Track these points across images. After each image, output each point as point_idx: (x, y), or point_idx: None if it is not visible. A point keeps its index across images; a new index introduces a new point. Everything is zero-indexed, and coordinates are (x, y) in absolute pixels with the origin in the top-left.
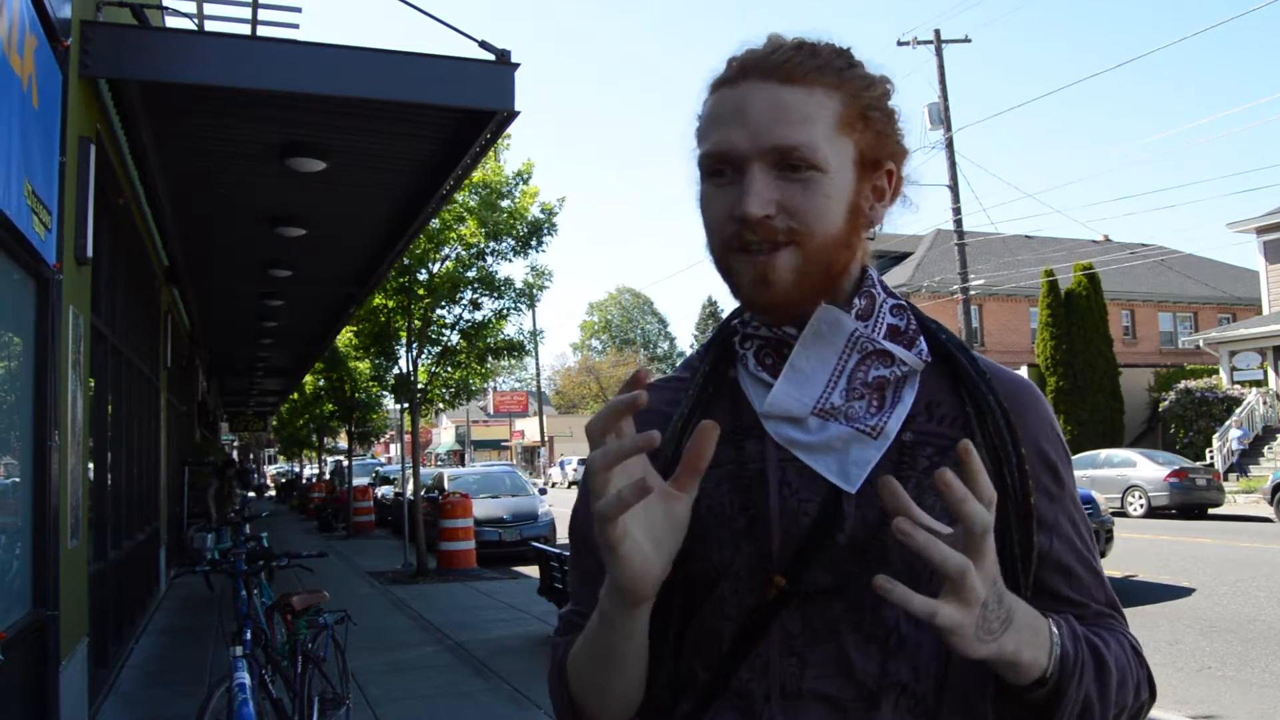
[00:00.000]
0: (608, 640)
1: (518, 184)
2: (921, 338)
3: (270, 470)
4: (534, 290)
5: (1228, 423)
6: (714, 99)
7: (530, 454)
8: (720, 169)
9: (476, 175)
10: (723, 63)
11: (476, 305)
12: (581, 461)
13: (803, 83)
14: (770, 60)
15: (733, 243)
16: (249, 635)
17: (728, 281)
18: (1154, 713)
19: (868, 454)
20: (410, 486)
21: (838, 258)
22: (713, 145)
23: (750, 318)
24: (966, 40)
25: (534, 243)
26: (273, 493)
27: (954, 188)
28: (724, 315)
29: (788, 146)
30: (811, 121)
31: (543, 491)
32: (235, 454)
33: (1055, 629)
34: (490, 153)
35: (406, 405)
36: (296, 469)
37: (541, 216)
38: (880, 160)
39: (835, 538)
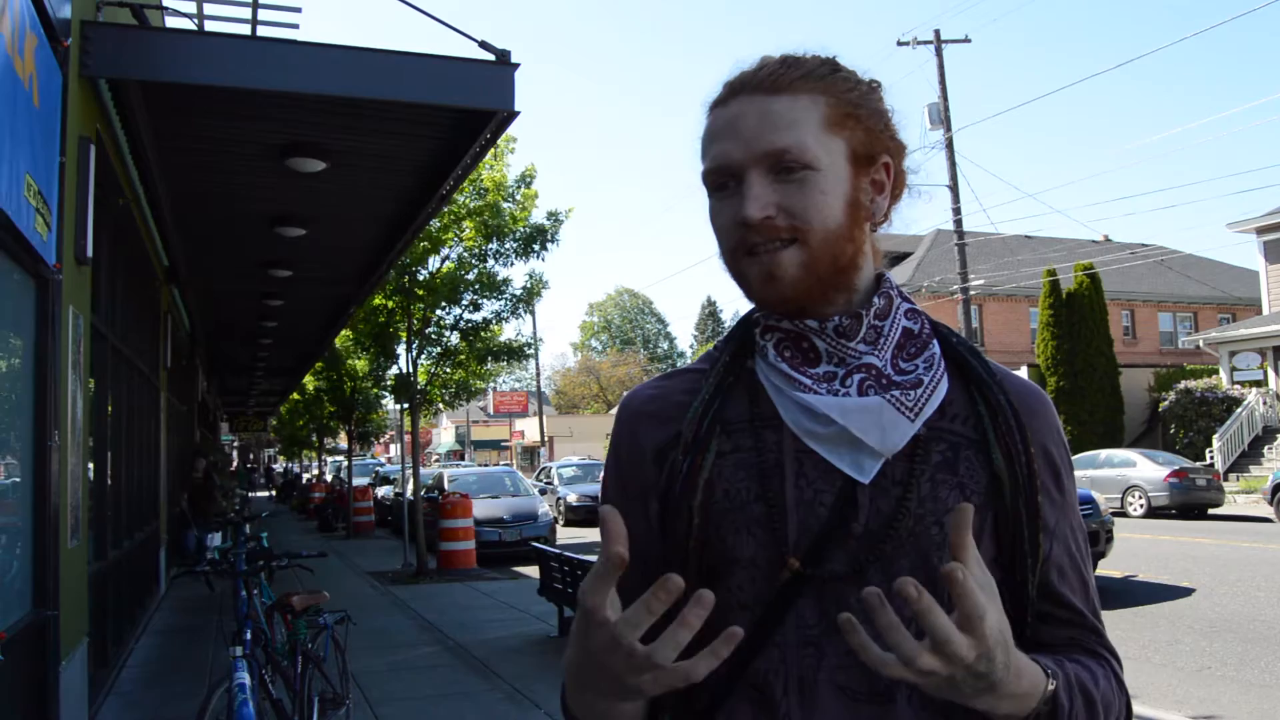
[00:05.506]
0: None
1: (519, 187)
2: (935, 340)
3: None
4: (532, 296)
5: (1226, 423)
6: (709, 119)
7: (530, 454)
8: (723, 182)
9: (485, 178)
10: (717, 85)
11: (476, 306)
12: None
13: (788, 91)
14: (757, 77)
15: (741, 248)
16: (249, 635)
17: (741, 285)
18: (1154, 713)
19: None
20: (410, 486)
21: (842, 250)
22: (711, 161)
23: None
24: (966, 40)
25: (536, 247)
26: (272, 492)
27: (954, 188)
28: (723, 315)
29: (778, 149)
30: (799, 125)
31: (542, 491)
32: (235, 453)
33: (1050, 683)
34: (492, 154)
35: (406, 405)
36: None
37: (547, 223)
38: (874, 155)
39: (851, 528)
